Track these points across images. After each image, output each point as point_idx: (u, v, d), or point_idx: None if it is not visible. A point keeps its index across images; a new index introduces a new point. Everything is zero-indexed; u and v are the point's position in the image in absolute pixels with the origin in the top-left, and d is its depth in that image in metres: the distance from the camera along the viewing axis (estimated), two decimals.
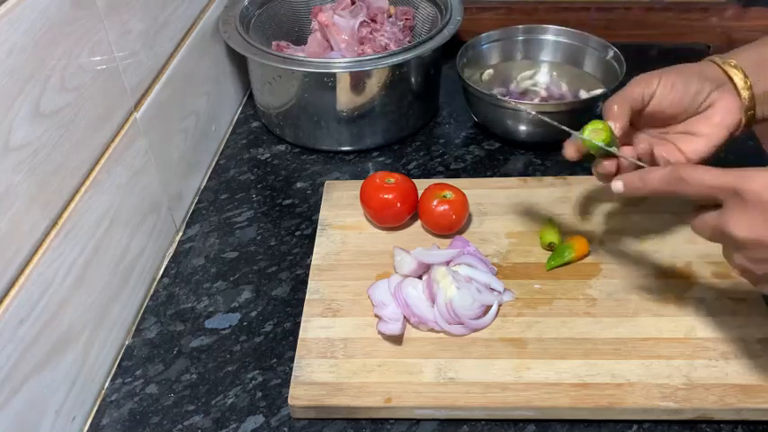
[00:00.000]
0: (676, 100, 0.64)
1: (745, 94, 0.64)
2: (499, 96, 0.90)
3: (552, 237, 0.74)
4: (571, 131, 0.64)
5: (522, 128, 0.90)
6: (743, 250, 0.51)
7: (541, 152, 0.91)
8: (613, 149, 0.62)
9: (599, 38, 0.97)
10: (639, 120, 0.66)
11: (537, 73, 1.00)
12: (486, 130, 0.96)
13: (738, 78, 0.64)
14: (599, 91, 0.93)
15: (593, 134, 0.62)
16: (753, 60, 0.65)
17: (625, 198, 0.80)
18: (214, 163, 0.94)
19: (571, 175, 0.86)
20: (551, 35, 1.01)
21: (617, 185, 0.57)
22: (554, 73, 0.99)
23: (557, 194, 0.82)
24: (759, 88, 0.64)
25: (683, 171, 0.52)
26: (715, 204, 0.52)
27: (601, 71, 0.97)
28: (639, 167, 0.60)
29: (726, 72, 0.64)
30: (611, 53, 0.95)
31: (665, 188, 0.54)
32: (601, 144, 0.61)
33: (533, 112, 0.83)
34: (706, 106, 0.64)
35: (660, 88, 0.64)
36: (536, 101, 0.94)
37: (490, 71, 0.98)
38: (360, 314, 0.69)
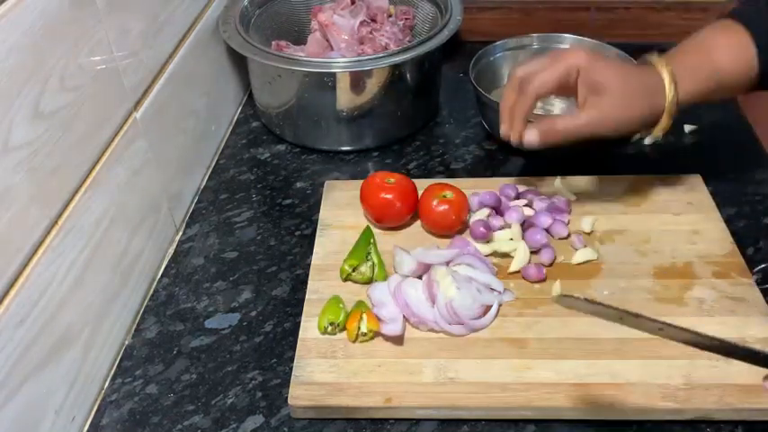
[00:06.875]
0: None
1: (669, 99, 0.67)
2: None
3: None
4: None
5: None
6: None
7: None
8: None
9: (618, 48, 0.93)
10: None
11: None
12: (487, 131, 0.95)
13: (669, 88, 0.67)
14: None
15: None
16: (689, 67, 0.68)
17: (625, 198, 0.81)
18: (214, 163, 0.94)
19: (571, 174, 0.86)
20: (568, 45, 0.98)
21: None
22: None
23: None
24: (684, 90, 0.68)
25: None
26: None
27: None
28: None
29: (662, 79, 0.67)
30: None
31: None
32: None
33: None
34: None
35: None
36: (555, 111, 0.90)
37: None
38: None
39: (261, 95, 0.98)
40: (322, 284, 0.72)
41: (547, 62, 0.69)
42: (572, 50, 0.72)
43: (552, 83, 0.68)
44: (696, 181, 0.82)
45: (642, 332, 0.65)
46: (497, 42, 0.98)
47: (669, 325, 0.49)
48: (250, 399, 0.65)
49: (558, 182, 0.83)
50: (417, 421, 0.62)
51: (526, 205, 0.79)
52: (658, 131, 0.69)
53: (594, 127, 0.68)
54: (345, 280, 0.73)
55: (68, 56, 0.59)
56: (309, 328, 0.68)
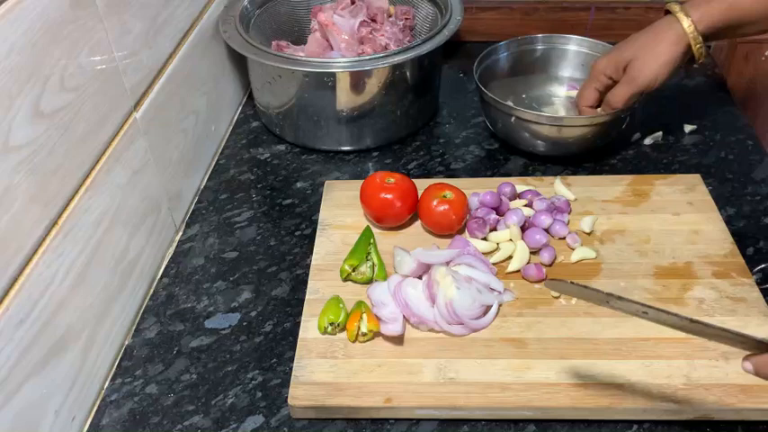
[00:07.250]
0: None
1: (686, 26, 0.76)
2: (521, 110, 0.85)
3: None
4: None
5: (541, 142, 0.87)
6: None
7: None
8: None
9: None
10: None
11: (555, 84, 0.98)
12: (489, 130, 0.95)
13: (682, 18, 0.76)
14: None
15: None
16: (702, 2, 0.76)
17: (625, 198, 0.81)
18: (214, 163, 0.94)
19: (571, 174, 0.86)
20: (573, 45, 0.97)
21: (747, 366, 0.52)
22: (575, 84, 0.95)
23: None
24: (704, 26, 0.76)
25: None
26: None
27: None
28: None
29: (675, 14, 0.77)
30: None
31: None
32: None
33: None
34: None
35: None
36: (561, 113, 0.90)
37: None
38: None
39: (261, 95, 0.98)
40: (322, 284, 0.72)
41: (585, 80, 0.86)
42: (595, 62, 0.85)
43: (590, 94, 0.85)
44: (696, 181, 0.82)
45: (641, 331, 0.66)
46: (501, 43, 0.97)
47: (651, 307, 0.51)
48: (250, 399, 0.65)
49: (558, 182, 0.83)
50: (417, 421, 0.62)
51: (526, 205, 0.79)
52: (699, 56, 0.78)
53: (635, 88, 0.80)
54: (345, 280, 0.73)
55: (68, 56, 0.59)
56: (309, 328, 0.68)
